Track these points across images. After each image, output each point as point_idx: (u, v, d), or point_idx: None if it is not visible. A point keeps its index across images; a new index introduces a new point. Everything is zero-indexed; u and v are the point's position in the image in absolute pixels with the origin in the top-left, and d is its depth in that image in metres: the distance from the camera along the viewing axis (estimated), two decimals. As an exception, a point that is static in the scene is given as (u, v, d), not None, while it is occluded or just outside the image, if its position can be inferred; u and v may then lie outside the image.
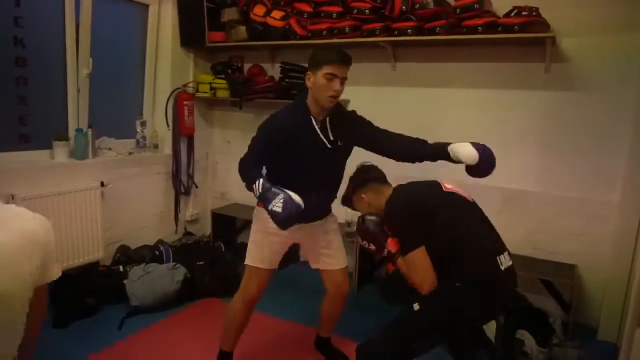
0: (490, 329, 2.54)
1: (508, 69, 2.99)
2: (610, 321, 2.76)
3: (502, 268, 1.74)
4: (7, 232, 1.00)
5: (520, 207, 3.03)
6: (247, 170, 1.93)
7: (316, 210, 2.12)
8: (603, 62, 2.72)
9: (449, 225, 1.77)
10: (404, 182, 2.00)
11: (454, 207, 1.85)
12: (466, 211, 1.87)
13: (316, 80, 1.93)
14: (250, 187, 1.86)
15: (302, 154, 1.98)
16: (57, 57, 3.09)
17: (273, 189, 1.77)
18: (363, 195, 2.03)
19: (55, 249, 1.14)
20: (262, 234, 2.12)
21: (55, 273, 1.15)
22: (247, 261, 2.16)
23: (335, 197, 2.20)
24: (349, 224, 3.36)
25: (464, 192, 1.94)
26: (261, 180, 1.81)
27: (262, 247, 2.13)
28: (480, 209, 1.92)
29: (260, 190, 1.80)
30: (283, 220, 1.76)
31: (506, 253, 1.81)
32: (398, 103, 3.34)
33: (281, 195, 1.74)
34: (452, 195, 1.90)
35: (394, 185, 2.01)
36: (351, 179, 2.10)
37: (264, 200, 1.79)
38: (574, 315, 2.72)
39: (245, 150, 1.99)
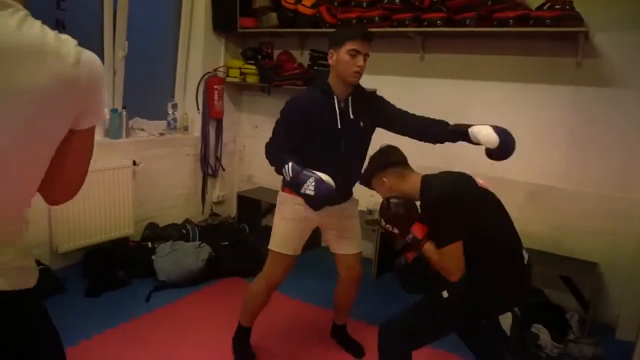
0: (506, 322, 2.56)
1: (539, 63, 2.95)
2: (630, 320, 2.73)
3: (525, 262, 1.80)
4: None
5: (543, 203, 3.01)
6: (275, 154, 1.96)
7: (339, 193, 2.07)
8: (638, 58, 2.67)
9: (481, 227, 1.77)
10: (425, 172, 1.97)
11: (487, 206, 1.83)
12: (496, 212, 1.85)
13: (339, 57, 1.95)
14: (280, 171, 1.89)
15: (324, 136, 2.00)
16: (95, 39, 3.18)
17: (304, 172, 1.80)
18: (384, 179, 1.92)
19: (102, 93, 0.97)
20: (286, 221, 2.14)
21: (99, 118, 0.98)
22: (273, 247, 2.16)
23: (357, 180, 2.14)
24: (370, 211, 3.40)
25: (490, 188, 1.91)
26: (290, 163, 1.83)
27: (287, 233, 2.15)
28: (503, 206, 1.90)
29: (290, 174, 1.82)
30: (317, 202, 1.80)
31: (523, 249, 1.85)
32: (425, 94, 3.33)
33: (312, 178, 1.77)
34: (486, 194, 1.86)
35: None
36: (371, 160, 2.01)
37: (295, 183, 1.81)
38: (592, 313, 2.71)
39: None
